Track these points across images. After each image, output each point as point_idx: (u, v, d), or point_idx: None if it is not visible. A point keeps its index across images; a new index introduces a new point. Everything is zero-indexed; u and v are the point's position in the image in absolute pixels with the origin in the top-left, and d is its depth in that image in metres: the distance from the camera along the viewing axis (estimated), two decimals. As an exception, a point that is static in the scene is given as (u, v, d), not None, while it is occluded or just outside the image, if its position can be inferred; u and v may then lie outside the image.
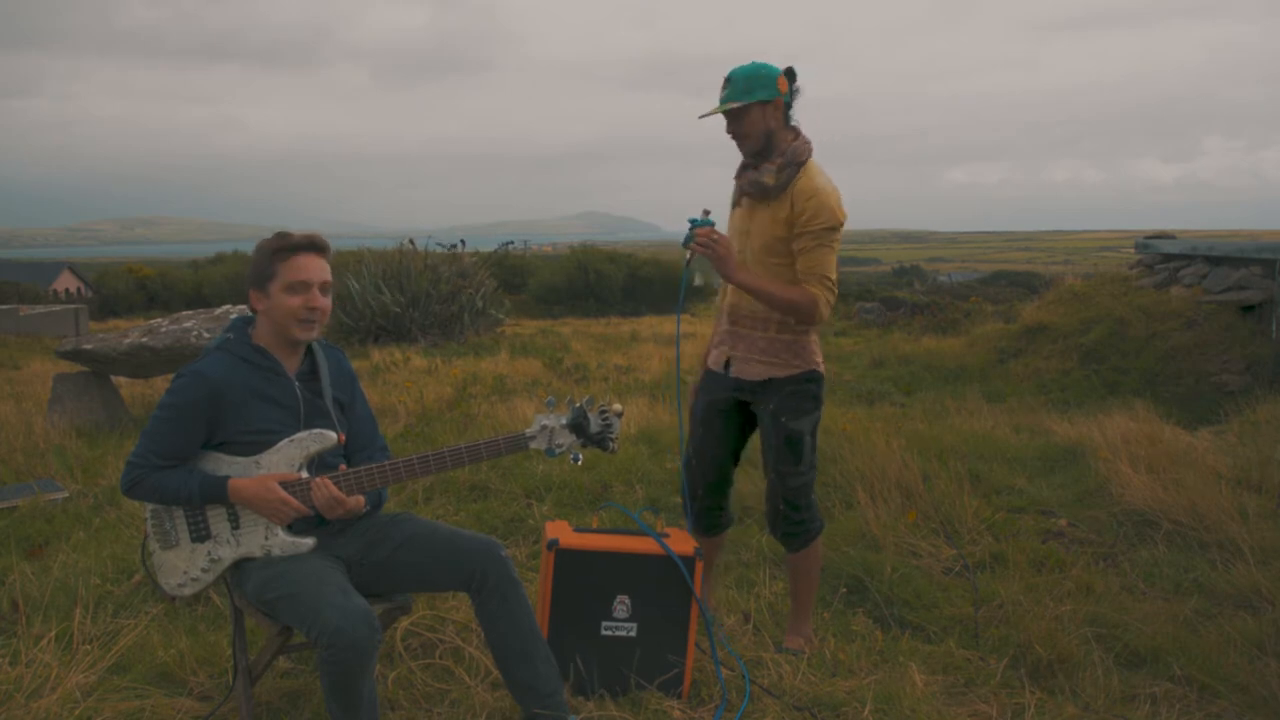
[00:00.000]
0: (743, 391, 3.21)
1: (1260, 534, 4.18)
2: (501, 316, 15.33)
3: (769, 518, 3.31)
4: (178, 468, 2.50)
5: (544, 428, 2.61)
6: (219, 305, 8.24)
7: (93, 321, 19.72)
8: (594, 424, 2.61)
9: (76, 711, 2.65)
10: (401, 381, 8.89)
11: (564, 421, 2.61)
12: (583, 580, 2.88)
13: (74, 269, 57.87)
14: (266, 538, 2.52)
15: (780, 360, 3.13)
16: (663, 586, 2.90)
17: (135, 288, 37.59)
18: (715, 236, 2.96)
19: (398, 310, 13.25)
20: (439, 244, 15.28)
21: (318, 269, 2.54)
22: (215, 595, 3.58)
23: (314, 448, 2.55)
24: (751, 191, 3.09)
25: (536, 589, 3.18)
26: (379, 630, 2.34)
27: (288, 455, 2.53)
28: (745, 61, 3.02)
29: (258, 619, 2.58)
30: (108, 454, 6.02)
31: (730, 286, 3.19)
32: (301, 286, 2.51)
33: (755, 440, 3.34)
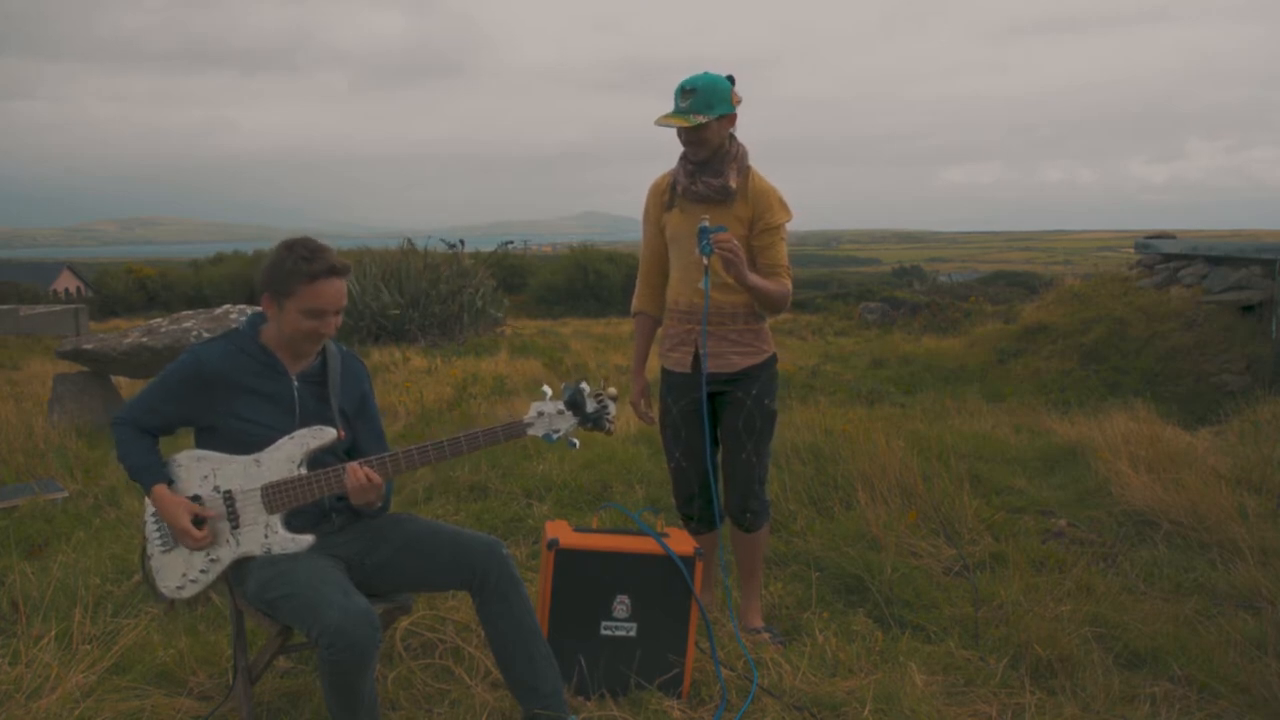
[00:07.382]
0: (717, 384, 3.32)
1: (1260, 534, 4.18)
2: (501, 316, 15.31)
3: (738, 501, 3.40)
4: (147, 438, 2.59)
5: (541, 414, 2.62)
6: (219, 305, 8.25)
7: (93, 321, 19.69)
8: (590, 405, 2.63)
9: (76, 711, 2.65)
10: (401, 382, 8.89)
11: (560, 407, 2.61)
12: (583, 580, 2.89)
13: (74, 269, 57.94)
14: (266, 535, 2.53)
15: (753, 349, 3.32)
16: (663, 586, 2.90)
17: (135, 288, 37.63)
18: (735, 242, 3.04)
19: (397, 310, 13.25)
20: (443, 240, 15.25)
21: (336, 296, 2.52)
22: (215, 595, 3.56)
23: (313, 444, 2.56)
24: (712, 195, 3.20)
25: (536, 589, 3.18)
26: (379, 630, 2.35)
27: (288, 453, 2.54)
28: (722, 64, 3.05)
29: (258, 619, 2.59)
30: (108, 454, 6.01)
31: (691, 288, 3.27)
32: (318, 314, 2.52)
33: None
